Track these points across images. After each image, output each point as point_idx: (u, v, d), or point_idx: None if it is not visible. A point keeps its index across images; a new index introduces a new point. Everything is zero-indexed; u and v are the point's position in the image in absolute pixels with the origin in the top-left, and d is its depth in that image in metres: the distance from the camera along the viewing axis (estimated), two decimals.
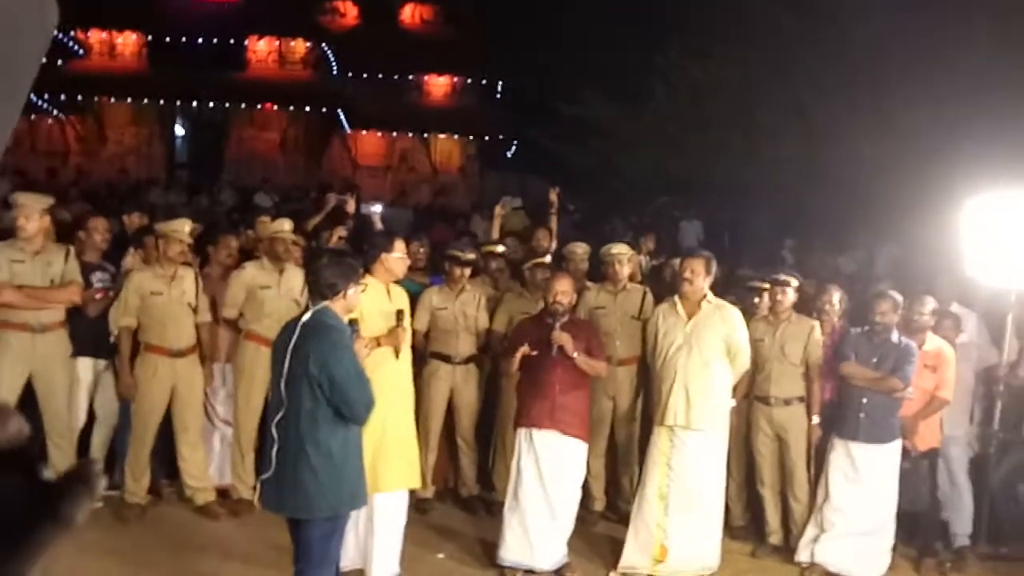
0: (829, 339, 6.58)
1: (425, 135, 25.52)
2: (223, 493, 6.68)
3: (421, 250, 7.49)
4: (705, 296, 6.03)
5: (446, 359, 6.88)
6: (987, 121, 10.17)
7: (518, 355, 5.88)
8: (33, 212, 5.99)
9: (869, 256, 11.47)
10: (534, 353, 5.87)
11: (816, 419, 6.45)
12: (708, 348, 5.92)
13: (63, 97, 22.10)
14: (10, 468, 0.46)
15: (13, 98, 2.72)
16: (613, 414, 6.91)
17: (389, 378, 5.41)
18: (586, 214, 18.06)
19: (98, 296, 6.39)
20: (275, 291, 6.58)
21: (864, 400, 6.18)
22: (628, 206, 17.48)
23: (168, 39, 22.97)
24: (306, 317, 4.41)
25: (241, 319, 6.65)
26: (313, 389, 4.26)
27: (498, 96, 26.25)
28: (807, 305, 6.82)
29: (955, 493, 6.68)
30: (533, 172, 23.37)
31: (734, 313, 6.07)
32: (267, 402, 6.35)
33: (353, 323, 4.88)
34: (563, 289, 5.96)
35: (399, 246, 5.71)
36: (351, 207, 8.76)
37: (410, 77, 25.44)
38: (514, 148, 25.83)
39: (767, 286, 6.69)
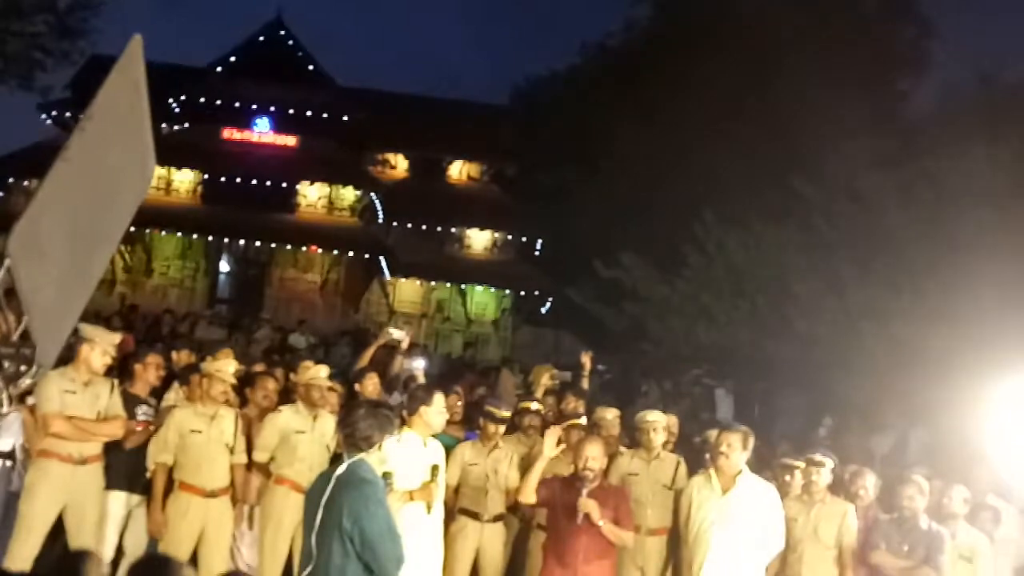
0: (862, 523, 6.49)
1: (462, 286, 25.97)
2: None
3: (458, 404, 7.56)
4: (741, 471, 6.01)
5: (474, 516, 6.83)
6: None
7: (535, 478, 5.84)
8: (108, 348, 6.16)
9: (903, 438, 11.38)
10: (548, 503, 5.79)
11: None
12: (742, 525, 5.87)
13: None
14: None
15: (114, 241, 2.93)
16: None
17: (419, 533, 5.41)
18: (616, 375, 18.09)
19: (138, 429, 6.48)
20: (308, 436, 6.62)
21: None
22: (659, 370, 17.51)
23: (223, 179, 23.86)
24: (340, 470, 4.40)
25: (272, 463, 6.67)
26: (344, 543, 4.24)
27: (536, 253, 26.79)
28: (840, 487, 6.76)
29: None
30: (566, 329, 23.58)
31: (770, 491, 6.04)
32: (291, 550, 6.38)
33: (387, 476, 4.90)
34: (593, 454, 5.95)
35: (439, 400, 5.80)
36: (406, 344, 8.86)
37: (452, 230, 26.12)
38: (549, 304, 26.14)
39: (801, 465, 6.67)
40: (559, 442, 7.16)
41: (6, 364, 2.32)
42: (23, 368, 2.34)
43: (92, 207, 2.66)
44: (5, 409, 2.32)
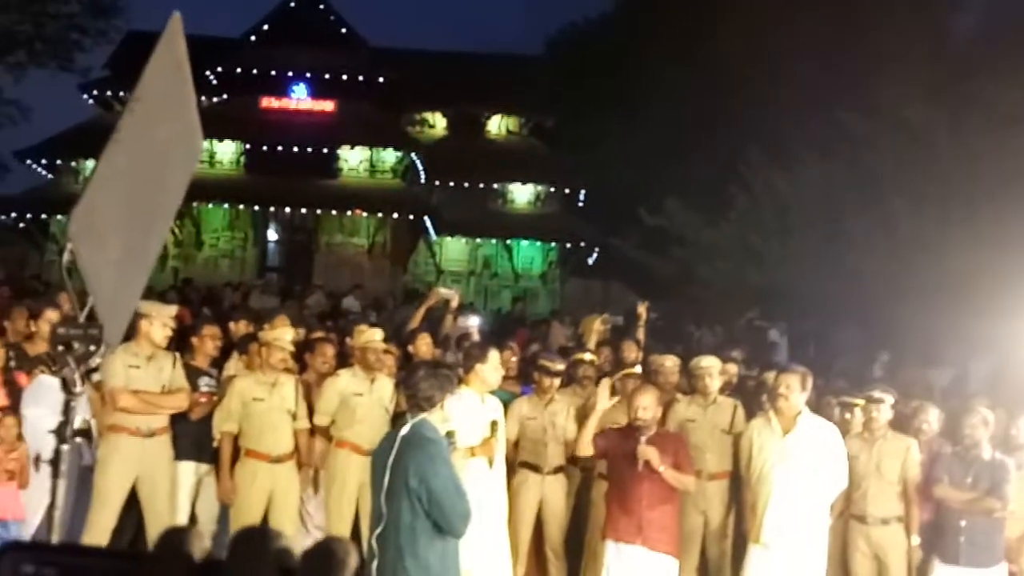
0: (925, 457, 6.46)
1: (508, 241, 25.96)
2: None
3: (513, 359, 7.60)
4: (801, 412, 5.99)
5: (535, 469, 6.89)
6: None
7: (591, 430, 5.89)
8: (167, 321, 6.29)
9: (963, 371, 11.25)
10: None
11: (916, 540, 6.30)
12: (804, 465, 5.86)
13: None
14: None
15: (169, 218, 2.98)
16: (705, 529, 6.82)
17: (482, 488, 5.48)
18: (666, 321, 18.05)
19: (203, 400, 6.61)
20: (367, 399, 6.70)
21: (963, 523, 6.04)
22: (710, 315, 17.45)
23: (265, 148, 23.97)
24: (405, 430, 4.48)
25: (333, 426, 6.78)
26: (412, 502, 4.31)
27: (580, 204, 26.67)
28: (902, 422, 6.72)
29: None
30: (615, 279, 23.53)
31: (831, 430, 6.02)
32: (358, 510, 6.51)
33: (450, 435, 4.97)
34: (645, 404, 5.96)
35: (494, 356, 5.84)
36: (456, 302, 8.89)
37: (495, 185, 26.07)
38: (596, 255, 26.07)
39: (861, 402, 6.63)
40: (612, 392, 7.22)
41: (76, 345, 2.38)
42: (92, 348, 2.39)
43: (146, 186, 2.70)
44: (79, 388, 2.38)
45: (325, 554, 0.47)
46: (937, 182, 12.42)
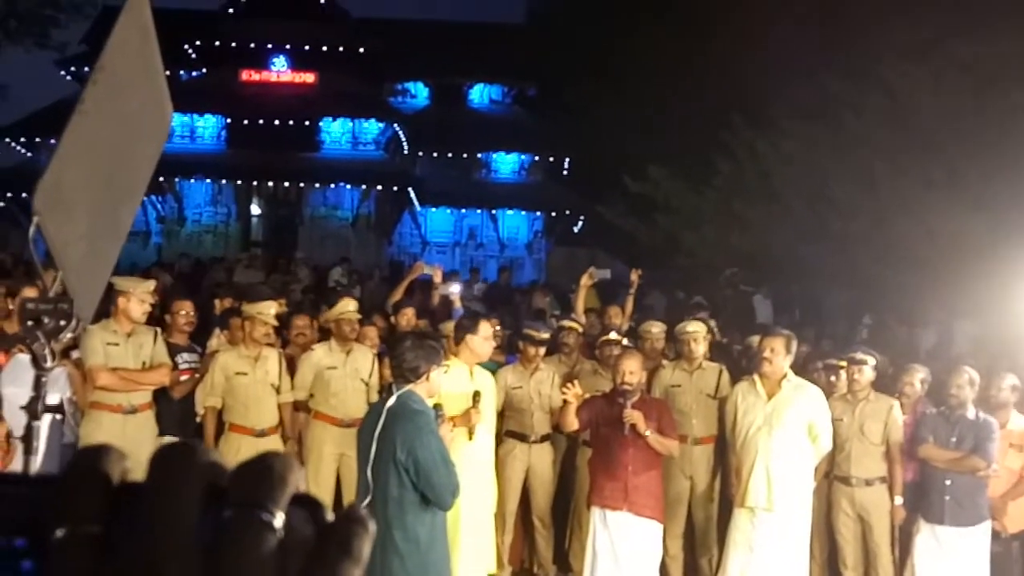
0: (910, 418, 6.49)
1: (493, 211, 25.88)
2: None
3: (497, 328, 7.57)
4: (785, 375, 6.00)
5: (521, 438, 6.91)
6: None
7: (572, 407, 5.90)
8: (145, 297, 6.23)
9: (947, 333, 11.29)
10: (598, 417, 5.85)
11: (899, 500, 6.34)
12: (789, 428, 5.88)
13: None
14: (302, 508, 0.53)
15: (140, 190, 2.91)
16: (691, 494, 6.86)
17: (467, 459, 5.46)
18: (649, 289, 18.02)
19: (183, 378, 6.58)
20: (341, 371, 6.71)
21: (948, 482, 6.07)
22: (696, 281, 17.44)
23: (246, 121, 23.73)
24: (391, 402, 4.43)
25: (311, 399, 6.79)
26: (400, 474, 4.28)
27: (565, 172, 26.57)
28: (885, 382, 6.75)
29: None
30: (600, 247, 23.49)
31: (816, 393, 6.03)
32: (339, 481, 6.52)
33: (438, 407, 4.93)
34: (631, 368, 5.96)
35: (485, 328, 5.79)
36: (439, 276, 8.86)
37: (479, 155, 25.93)
38: (581, 223, 26.01)
39: (844, 364, 6.65)
40: (595, 359, 7.23)
41: (46, 319, 2.33)
42: (63, 323, 2.35)
43: (115, 157, 2.64)
44: (49, 364, 2.34)
45: (260, 469, 0.45)
46: (920, 143, 12.38)
